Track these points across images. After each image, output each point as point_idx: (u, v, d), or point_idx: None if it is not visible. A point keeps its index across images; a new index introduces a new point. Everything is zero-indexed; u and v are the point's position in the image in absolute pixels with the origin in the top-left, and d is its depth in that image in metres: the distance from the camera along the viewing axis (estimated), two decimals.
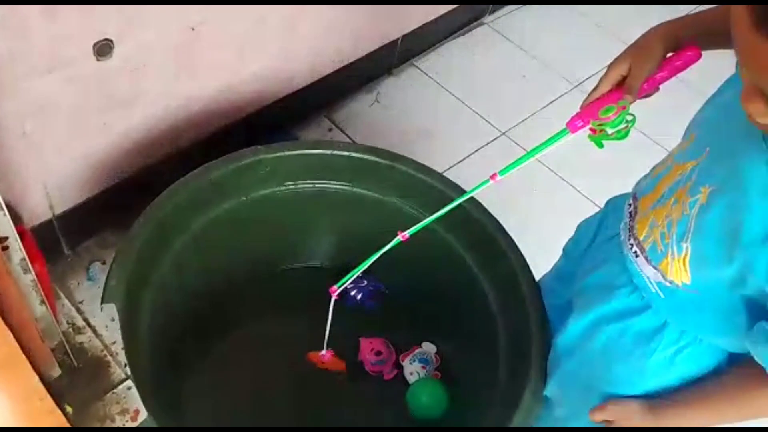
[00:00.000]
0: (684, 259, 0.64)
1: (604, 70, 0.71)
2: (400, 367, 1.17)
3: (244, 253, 1.12)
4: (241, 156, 1.02)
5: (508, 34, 1.96)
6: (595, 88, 0.71)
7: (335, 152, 1.06)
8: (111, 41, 0.98)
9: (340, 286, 0.93)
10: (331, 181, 1.10)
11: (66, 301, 1.17)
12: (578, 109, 0.70)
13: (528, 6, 2.03)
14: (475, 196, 0.83)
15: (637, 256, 0.70)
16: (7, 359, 0.86)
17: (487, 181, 0.73)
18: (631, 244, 0.71)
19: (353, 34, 1.49)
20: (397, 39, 1.65)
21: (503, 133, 1.70)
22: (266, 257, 1.19)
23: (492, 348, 0.98)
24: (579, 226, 0.93)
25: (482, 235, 1.02)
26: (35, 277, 0.97)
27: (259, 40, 1.25)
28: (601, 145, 0.69)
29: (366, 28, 1.52)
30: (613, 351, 0.76)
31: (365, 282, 1.22)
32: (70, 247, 1.22)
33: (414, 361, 1.17)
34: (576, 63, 1.88)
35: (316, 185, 1.10)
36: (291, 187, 1.08)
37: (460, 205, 0.80)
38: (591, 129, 0.69)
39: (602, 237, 0.84)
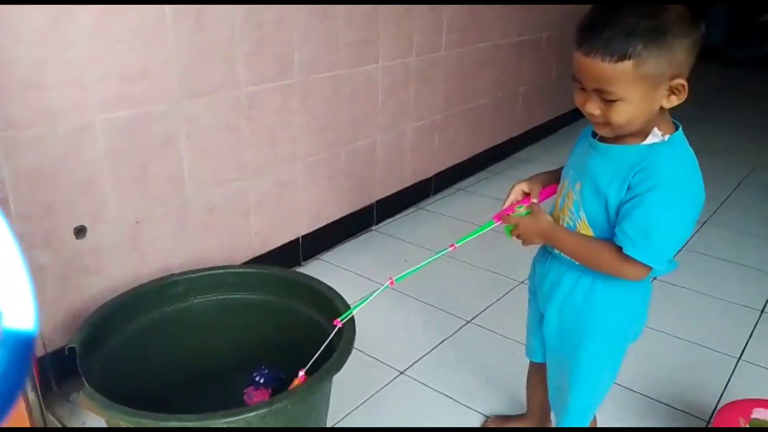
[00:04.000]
0: (584, 220, 1.07)
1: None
2: None
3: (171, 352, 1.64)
4: (162, 279, 1.64)
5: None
6: (506, 199, 1.20)
7: (224, 270, 1.69)
8: (85, 227, 1.68)
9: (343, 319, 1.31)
10: (227, 294, 1.70)
11: (50, 416, 1.64)
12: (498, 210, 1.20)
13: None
14: None
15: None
16: None
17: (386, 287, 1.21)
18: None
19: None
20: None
21: None
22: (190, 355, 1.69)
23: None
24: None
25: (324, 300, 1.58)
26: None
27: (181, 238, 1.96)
28: (509, 236, 1.17)
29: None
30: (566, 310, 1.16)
31: (267, 371, 1.71)
32: (57, 383, 1.73)
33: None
34: None
35: (218, 297, 1.69)
36: (200, 299, 1.67)
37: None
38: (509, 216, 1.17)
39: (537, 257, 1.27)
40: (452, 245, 1.21)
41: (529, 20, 3.47)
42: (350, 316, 1.30)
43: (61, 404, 1.69)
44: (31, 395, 1.51)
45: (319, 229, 2.48)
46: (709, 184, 1.03)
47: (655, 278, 1.23)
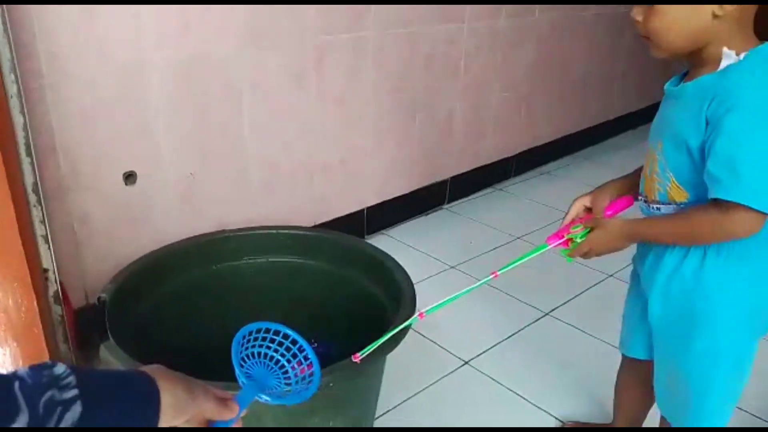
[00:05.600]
0: (673, 180, 0.92)
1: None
2: None
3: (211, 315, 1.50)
4: (212, 234, 1.50)
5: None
6: (565, 216, 1.05)
7: (278, 231, 1.53)
8: (135, 173, 1.56)
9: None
10: (280, 256, 1.54)
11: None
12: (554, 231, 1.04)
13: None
14: None
15: (658, 209, 0.97)
16: None
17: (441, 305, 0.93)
18: (650, 205, 0.98)
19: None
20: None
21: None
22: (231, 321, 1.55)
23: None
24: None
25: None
26: (63, 314, 1.39)
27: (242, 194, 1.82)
28: (569, 260, 1.03)
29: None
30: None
31: (315, 344, 1.54)
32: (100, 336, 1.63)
33: None
34: None
35: (269, 260, 1.53)
36: (250, 261, 1.52)
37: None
38: (563, 243, 1.01)
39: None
40: (494, 273, 1.00)
41: None
42: (405, 324, 1.01)
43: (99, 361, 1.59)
44: (63, 347, 1.41)
45: (387, 201, 2.29)
46: None
47: None
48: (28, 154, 1.22)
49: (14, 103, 1.18)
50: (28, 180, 1.24)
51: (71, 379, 0.50)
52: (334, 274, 1.49)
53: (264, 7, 1.66)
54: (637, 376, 1.18)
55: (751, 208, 0.81)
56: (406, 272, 1.33)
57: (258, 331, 0.82)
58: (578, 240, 1.00)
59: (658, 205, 0.96)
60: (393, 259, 1.39)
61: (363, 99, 2.05)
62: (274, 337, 0.82)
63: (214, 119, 1.67)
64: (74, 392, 0.49)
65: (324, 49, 1.86)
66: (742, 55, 0.84)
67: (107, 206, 1.54)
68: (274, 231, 1.52)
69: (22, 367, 0.50)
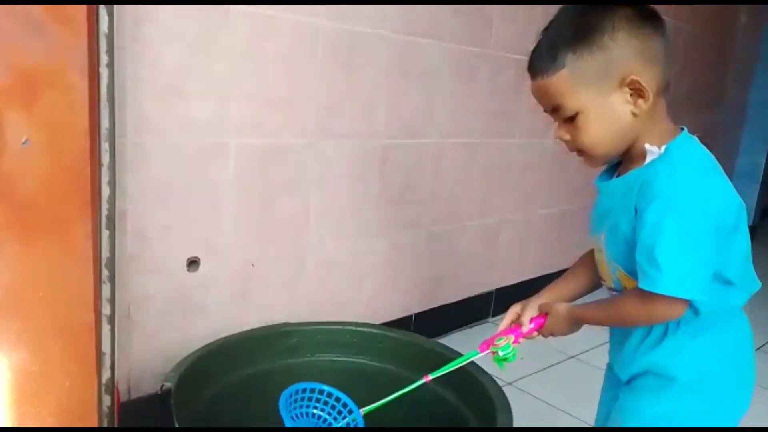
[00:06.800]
0: (620, 271, 0.93)
1: None
2: None
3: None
4: (274, 327, 1.41)
5: None
6: (500, 324, 1.06)
7: (344, 327, 1.43)
8: (198, 259, 1.50)
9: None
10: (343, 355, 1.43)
11: None
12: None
13: None
14: None
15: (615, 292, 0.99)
16: None
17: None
18: (610, 292, 1.00)
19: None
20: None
21: None
22: None
23: None
24: None
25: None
26: (113, 405, 1.26)
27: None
28: (501, 366, 1.02)
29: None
30: None
31: None
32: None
33: None
34: None
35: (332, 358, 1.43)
36: (309, 358, 1.42)
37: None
38: (491, 352, 1.03)
39: None
40: (426, 377, 1.08)
41: None
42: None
43: None
44: None
45: (433, 309, 2.21)
46: None
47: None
48: (108, 227, 1.17)
49: (104, 174, 1.15)
50: (104, 254, 1.17)
51: None
52: (409, 382, 1.38)
53: (340, 102, 1.69)
54: None
55: (672, 297, 0.83)
56: (498, 387, 1.23)
57: (303, 391, 0.92)
58: (501, 354, 1.01)
59: (614, 293, 0.98)
60: (483, 369, 1.29)
61: (420, 202, 2.03)
62: (320, 396, 0.91)
63: (280, 207, 1.64)
64: None
65: (389, 150, 1.87)
66: (662, 149, 0.88)
67: (167, 291, 1.46)
68: (340, 327, 1.44)
69: None
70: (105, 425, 1.26)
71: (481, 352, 1.03)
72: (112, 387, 1.25)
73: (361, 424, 0.91)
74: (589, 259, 1.06)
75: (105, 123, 1.13)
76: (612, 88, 0.87)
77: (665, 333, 0.93)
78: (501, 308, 2.48)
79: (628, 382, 1.00)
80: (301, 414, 0.84)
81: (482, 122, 2.17)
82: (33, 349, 1.09)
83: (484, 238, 2.35)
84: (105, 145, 1.13)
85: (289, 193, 1.65)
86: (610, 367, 1.10)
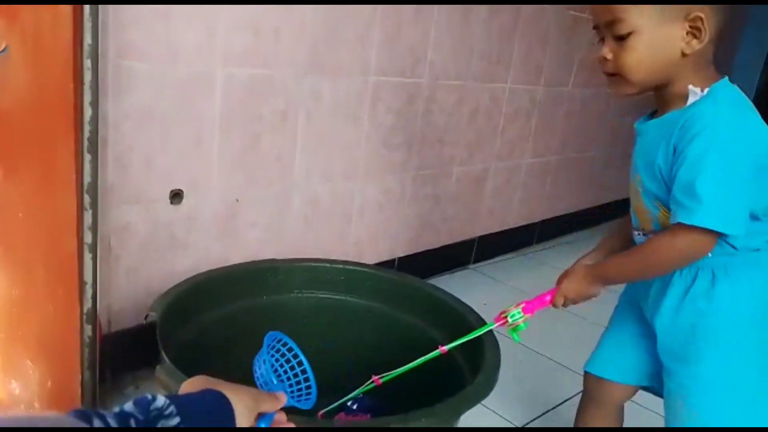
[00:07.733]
0: (662, 209, 0.92)
1: None
2: None
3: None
4: (260, 262, 1.38)
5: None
6: None
7: (331, 266, 1.41)
8: (182, 192, 1.45)
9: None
10: (329, 292, 1.41)
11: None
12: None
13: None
14: None
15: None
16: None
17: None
18: (648, 236, 0.98)
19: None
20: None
21: None
22: None
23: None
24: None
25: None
26: (93, 336, 1.23)
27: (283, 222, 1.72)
28: (514, 336, 1.02)
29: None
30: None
31: (362, 396, 1.40)
32: (112, 372, 1.46)
33: None
34: None
35: (318, 295, 1.41)
36: (297, 294, 1.40)
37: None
38: (503, 320, 1.02)
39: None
40: (442, 347, 1.08)
41: None
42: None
43: (112, 396, 1.42)
44: (87, 374, 1.25)
45: (417, 254, 2.20)
46: None
47: None
48: (90, 150, 1.12)
49: (86, 93, 1.08)
50: (86, 179, 1.12)
51: (172, 408, 0.57)
52: (389, 316, 1.37)
53: (332, 36, 1.62)
54: (604, 406, 1.16)
55: (704, 228, 0.84)
56: (476, 314, 1.23)
57: (283, 345, 0.94)
58: (511, 321, 1.01)
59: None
60: (461, 301, 1.29)
61: (408, 145, 2.00)
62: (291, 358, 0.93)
63: (267, 143, 1.59)
64: (177, 419, 0.57)
65: (381, 88, 1.82)
66: (705, 91, 0.88)
67: (148, 224, 1.42)
68: (327, 265, 1.41)
69: (127, 404, 0.55)
70: (86, 355, 1.23)
71: (496, 323, 1.04)
72: (93, 317, 1.22)
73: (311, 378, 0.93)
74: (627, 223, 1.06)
75: (87, 38, 1.06)
76: (674, 18, 0.87)
77: (713, 278, 0.92)
78: (482, 256, 2.49)
79: (675, 334, 0.98)
80: (271, 366, 0.87)
81: (475, 65, 2.12)
82: (14, 272, 1.05)
83: (470, 185, 2.33)
84: (87, 62, 1.07)
85: (277, 128, 1.60)
86: (627, 303, 1.11)
